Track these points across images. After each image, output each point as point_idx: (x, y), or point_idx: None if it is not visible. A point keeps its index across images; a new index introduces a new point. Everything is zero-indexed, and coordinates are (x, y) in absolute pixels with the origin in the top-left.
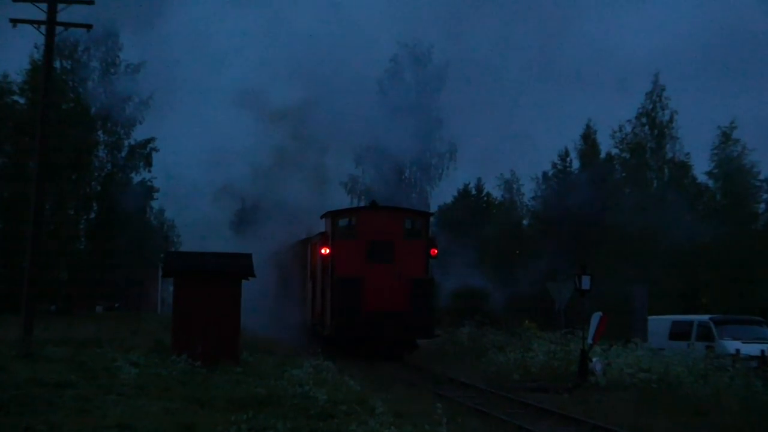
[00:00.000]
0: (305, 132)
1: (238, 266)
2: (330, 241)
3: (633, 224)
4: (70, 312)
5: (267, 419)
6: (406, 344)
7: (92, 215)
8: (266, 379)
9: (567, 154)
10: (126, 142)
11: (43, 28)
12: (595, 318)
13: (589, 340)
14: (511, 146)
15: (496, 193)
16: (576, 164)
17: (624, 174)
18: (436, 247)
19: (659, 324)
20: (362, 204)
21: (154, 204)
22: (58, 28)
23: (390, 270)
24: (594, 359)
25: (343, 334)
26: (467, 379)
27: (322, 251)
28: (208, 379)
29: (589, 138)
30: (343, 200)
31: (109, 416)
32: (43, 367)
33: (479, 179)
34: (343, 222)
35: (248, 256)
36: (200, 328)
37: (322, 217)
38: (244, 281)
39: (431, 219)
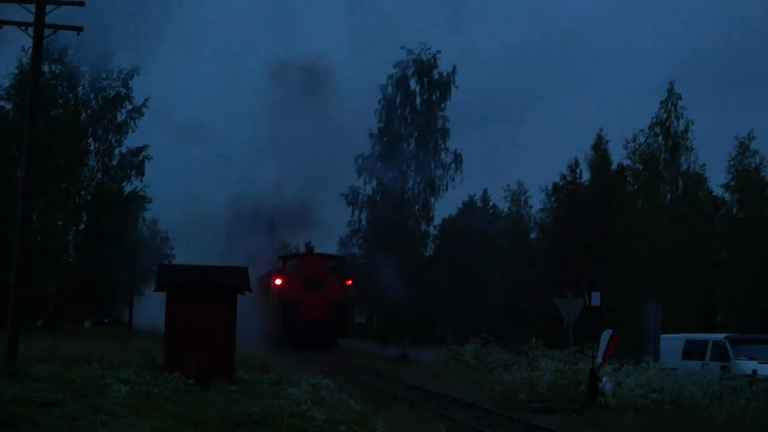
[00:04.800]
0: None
1: (234, 280)
2: (281, 274)
3: (645, 238)
4: (58, 327)
5: None
6: (328, 341)
7: (81, 226)
8: (262, 397)
9: (577, 164)
10: (117, 150)
11: (30, 30)
12: (606, 336)
13: (599, 359)
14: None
15: (503, 205)
16: (586, 175)
17: (636, 186)
18: (350, 279)
19: (672, 343)
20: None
21: (147, 215)
22: (47, 31)
23: (319, 294)
24: (604, 379)
25: (290, 335)
26: (472, 399)
27: (276, 282)
28: (202, 397)
29: (600, 148)
30: (343, 213)
31: None
32: (29, 385)
33: (485, 191)
34: (290, 262)
35: (244, 270)
36: (194, 345)
37: (278, 259)
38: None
39: (346, 261)
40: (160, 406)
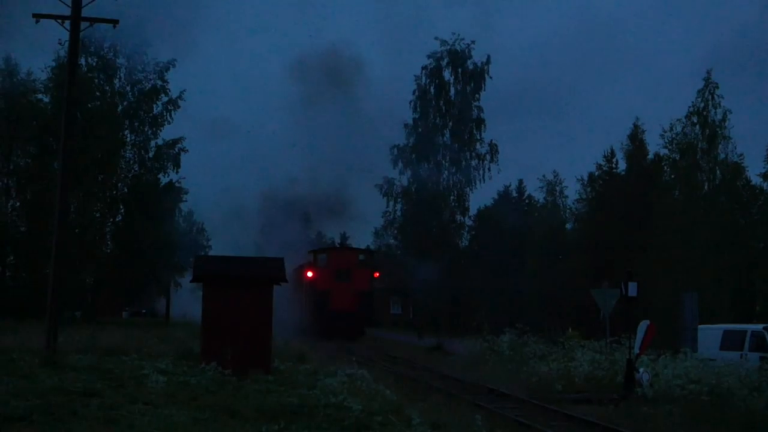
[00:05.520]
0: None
1: (270, 271)
2: (312, 267)
3: (682, 228)
4: (96, 318)
5: (299, 430)
6: (356, 331)
7: (119, 218)
8: (299, 388)
9: (613, 154)
10: (153, 142)
11: (67, 23)
12: (642, 326)
13: (636, 350)
14: (554, 147)
15: (538, 196)
16: (622, 165)
17: (673, 176)
18: (378, 272)
19: (710, 333)
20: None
21: (183, 206)
22: (83, 24)
23: (348, 286)
24: (641, 370)
25: (320, 325)
26: (507, 390)
27: (308, 274)
28: (239, 388)
29: (636, 138)
30: (378, 204)
31: (136, 426)
32: (67, 375)
33: (521, 181)
34: (320, 256)
35: (280, 261)
36: (230, 335)
37: (308, 253)
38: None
39: (374, 254)
40: (197, 396)
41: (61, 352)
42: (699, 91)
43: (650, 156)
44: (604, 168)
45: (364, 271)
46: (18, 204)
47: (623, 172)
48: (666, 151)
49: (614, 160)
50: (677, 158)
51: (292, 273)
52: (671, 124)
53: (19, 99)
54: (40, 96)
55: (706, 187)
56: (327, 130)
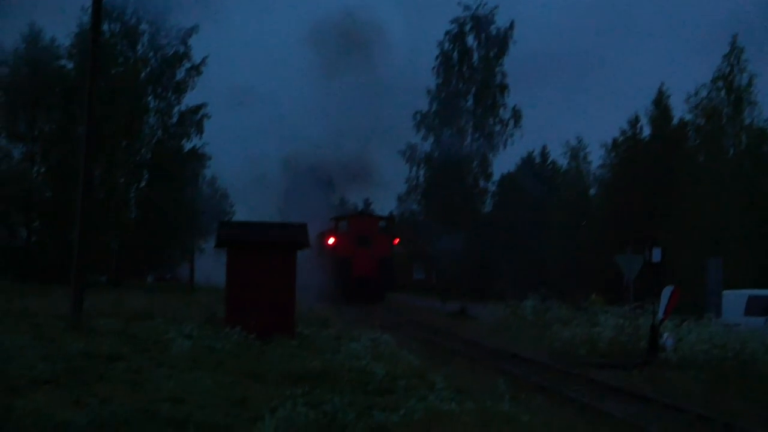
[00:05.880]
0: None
1: (293, 236)
2: (334, 233)
3: (707, 193)
4: (121, 283)
5: (323, 394)
6: (377, 296)
7: (142, 184)
8: (322, 352)
9: (637, 120)
10: (176, 108)
11: None
12: (666, 292)
13: (660, 315)
14: (577, 112)
15: (562, 161)
16: (647, 131)
17: (698, 141)
18: (398, 238)
19: (734, 299)
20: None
21: (206, 172)
22: None
23: (369, 252)
24: (665, 335)
25: (341, 290)
26: (531, 355)
27: (330, 241)
28: (263, 352)
29: (661, 103)
30: (401, 170)
31: (162, 390)
32: (93, 339)
33: (544, 147)
34: (341, 222)
35: (303, 226)
36: (254, 300)
37: (330, 219)
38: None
39: (394, 221)
40: (221, 360)
41: (87, 316)
42: (724, 56)
43: (675, 121)
44: (629, 133)
45: (385, 237)
46: (43, 170)
47: (648, 138)
48: (691, 116)
49: (639, 125)
50: (702, 123)
51: (315, 239)
52: (696, 89)
53: (43, 65)
54: (63, 62)
55: (731, 152)
56: (350, 96)
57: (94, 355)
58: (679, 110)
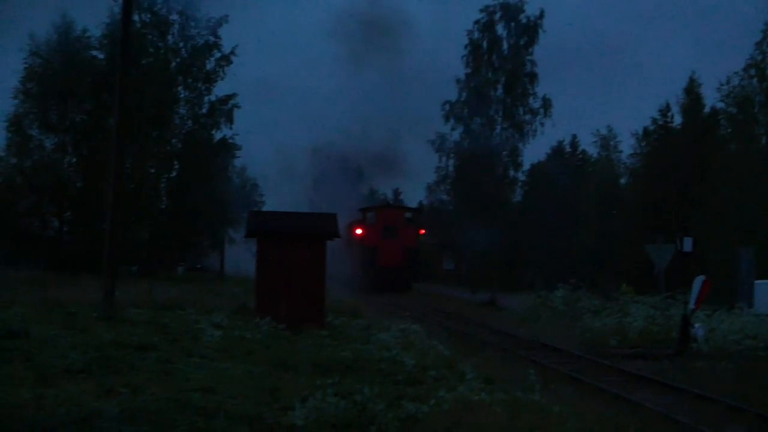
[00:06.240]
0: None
1: (323, 226)
2: (362, 224)
3: (739, 182)
4: (152, 273)
5: (353, 384)
6: (403, 285)
7: (173, 174)
8: (352, 342)
9: (668, 108)
10: (207, 99)
11: None
12: (698, 282)
13: (691, 305)
14: (608, 101)
15: (592, 151)
16: (678, 119)
17: (730, 129)
18: (423, 229)
19: (766, 289)
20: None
21: (236, 162)
22: None
23: (395, 242)
24: (696, 325)
25: (368, 279)
26: (561, 345)
27: (357, 231)
28: (293, 342)
29: (692, 91)
30: (431, 160)
31: (192, 379)
32: (125, 329)
33: (574, 136)
34: (369, 214)
35: (333, 216)
36: (284, 290)
37: (358, 211)
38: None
39: (420, 212)
40: (252, 350)
41: (118, 306)
42: (757, 44)
43: (706, 110)
44: (660, 122)
45: (411, 228)
46: (74, 160)
47: (679, 127)
48: (722, 104)
49: (670, 114)
50: (734, 112)
51: (344, 229)
52: (728, 77)
53: (74, 56)
54: (95, 53)
55: (763, 140)
56: (379, 86)
57: (125, 345)
58: (711, 98)
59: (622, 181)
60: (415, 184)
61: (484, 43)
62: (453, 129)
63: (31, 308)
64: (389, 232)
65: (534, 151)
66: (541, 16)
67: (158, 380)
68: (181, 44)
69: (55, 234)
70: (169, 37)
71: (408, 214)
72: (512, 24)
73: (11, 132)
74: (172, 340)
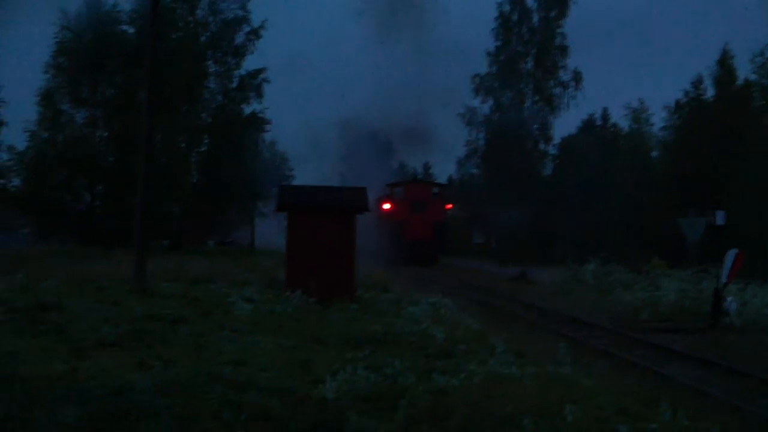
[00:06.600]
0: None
1: (353, 200)
2: (389, 199)
3: None
4: (182, 247)
5: (384, 357)
6: (430, 258)
7: (203, 148)
8: (382, 316)
9: (701, 80)
10: (236, 73)
11: None
12: (730, 255)
13: (724, 279)
14: (639, 74)
15: (623, 124)
16: (711, 92)
17: (764, 101)
18: (450, 203)
19: None
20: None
21: (266, 137)
22: None
23: (422, 217)
24: (728, 299)
25: (396, 253)
26: (592, 319)
27: (385, 206)
28: (323, 315)
29: (725, 63)
30: (460, 134)
31: (224, 352)
32: (157, 302)
33: (605, 109)
34: (397, 189)
35: (363, 190)
36: (315, 264)
37: (386, 186)
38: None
39: (447, 187)
40: (282, 323)
41: (150, 280)
42: None
43: (739, 82)
44: (692, 95)
45: (438, 202)
46: (105, 134)
47: (711, 99)
48: (756, 76)
49: (702, 86)
50: (767, 84)
51: (373, 203)
52: (761, 48)
53: (105, 31)
54: (125, 27)
55: None
56: (408, 59)
57: (157, 318)
58: (744, 70)
59: (654, 154)
60: (445, 157)
61: (514, 16)
62: (483, 102)
63: (64, 282)
64: (416, 207)
65: (564, 125)
66: None
67: (190, 353)
68: (211, 18)
69: (86, 208)
70: (199, 11)
71: (435, 189)
72: None
73: (43, 106)
74: (204, 313)
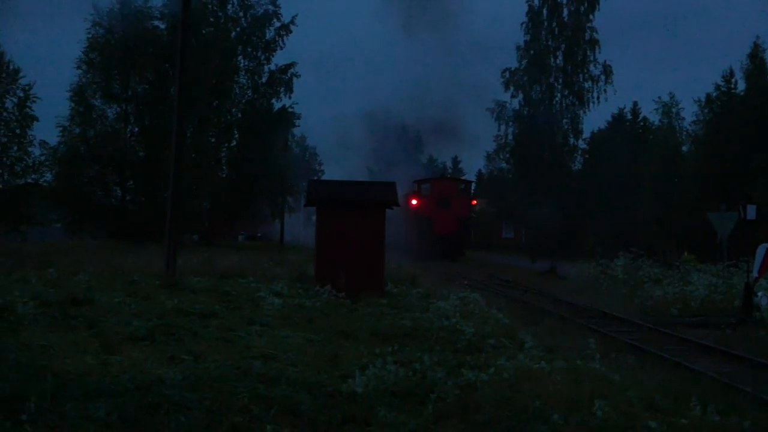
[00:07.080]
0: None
1: (382, 195)
2: (417, 195)
3: None
4: (212, 242)
5: (412, 352)
6: (455, 252)
7: (233, 143)
8: (411, 311)
9: (732, 74)
10: (266, 68)
11: None
12: (762, 250)
13: (755, 273)
14: (670, 68)
15: (654, 118)
16: (742, 85)
17: None
18: (475, 200)
19: None
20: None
21: (296, 131)
22: None
23: (448, 212)
24: (759, 293)
25: (423, 247)
26: (621, 314)
27: (413, 202)
28: (352, 310)
29: (756, 57)
30: (490, 128)
31: (253, 347)
32: (187, 297)
33: (635, 103)
34: (424, 185)
35: (392, 185)
36: (344, 258)
37: (413, 182)
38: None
39: (472, 184)
40: (311, 318)
41: (180, 274)
42: None
43: None
44: (723, 88)
45: (464, 198)
46: (136, 129)
47: (743, 93)
48: None
49: (733, 80)
50: None
51: (402, 198)
52: None
53: (136, 26)
54: (156, 23)
55: None
56: (438, 54)
57: (187, 313)
58: None
59: (684, 148)
60: (474, 152)
61: (544, 10)
62: (513, 97)
63: (95, 276)
64: (443, 203)
65: (594, 119)
66: None
67: (220, 347)
68: (241, 14)
69: (117, 203)
70: (229, 7)
71: (461, 185)
72: None
73: (74, 102)
74: (234, 308)
